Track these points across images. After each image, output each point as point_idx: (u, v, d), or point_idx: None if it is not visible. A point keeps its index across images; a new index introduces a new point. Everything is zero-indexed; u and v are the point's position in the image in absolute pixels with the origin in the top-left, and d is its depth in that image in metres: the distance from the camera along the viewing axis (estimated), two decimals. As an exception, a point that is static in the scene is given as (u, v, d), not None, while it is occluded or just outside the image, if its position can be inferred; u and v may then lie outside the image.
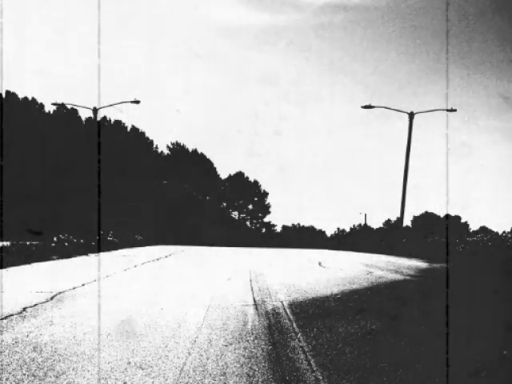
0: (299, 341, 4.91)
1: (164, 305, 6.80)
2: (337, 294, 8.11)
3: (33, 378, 3.66)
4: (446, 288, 9.76)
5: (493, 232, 25.46)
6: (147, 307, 6.59)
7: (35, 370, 3.84)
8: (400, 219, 31.61)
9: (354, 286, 9.25)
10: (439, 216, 70.43)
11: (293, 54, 68.23)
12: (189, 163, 59.69)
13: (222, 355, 4.35)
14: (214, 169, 64.48)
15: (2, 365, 3.93)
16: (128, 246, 26.06)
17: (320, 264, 15.55)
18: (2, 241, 17.63)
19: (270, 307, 6.79)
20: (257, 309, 6.66)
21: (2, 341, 4.64)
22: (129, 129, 53.82)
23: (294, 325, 5.66)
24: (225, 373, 3.88)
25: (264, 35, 65.41)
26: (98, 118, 33.81)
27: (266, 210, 67.33)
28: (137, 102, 31.64)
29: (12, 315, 5.81)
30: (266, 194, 67.32)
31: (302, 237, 54.37)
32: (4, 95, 44.88)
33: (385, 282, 10.25)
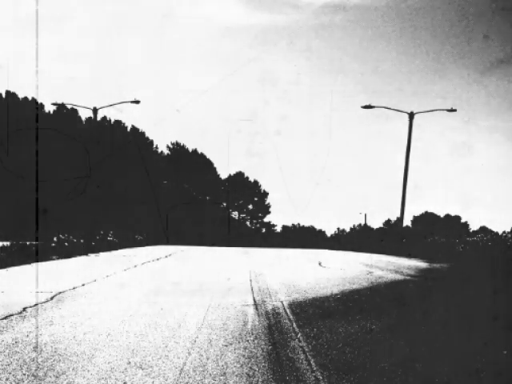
0: (299, 341, 4.91)
1: (164, 305, 6.80)
2: (337, 294, 8.11)
3: (33, 378, 3.66)
4: (445, 288, 9.75)
5: (493, 232, 25.47)
6: (147, 307, 6.59)
7: (35, 369, 3.84)
8: (400, 219, 31.61)
9: (354, 286, 9.25)
10: (439, 216, 70.43)
11: (293, 54, 68.26)
12: (189, 163, 59.65)
13: (221, 355, 4.35)
14: (214, 169, 64.44)
15: (2, 365, 3.93)
16: (128, 246, 26.05)
17: (320, 264, 15.54)
18: (2, 241, 17.63)
19: (269, 307, 6.79)
20: (257, 309, 6.66)
21: (2, 341, 4.64)
22: (129, 129, 53.82)
23: (294, 325, 5.66)
24: (225, 373, 3.88)
25: (264, 35, 65.40)
26: (98, 118, 33.80)
27: (266, 209, 67.31)
28: (137, 102, 31.63)
29: (12, 315, 5.81)
30: (266, 194, 67.28)
31: (302, 237, 54.36)
32: (4, 95, 44.91)
33: (385, 282, 10.25)
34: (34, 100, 46.42)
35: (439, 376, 3.89)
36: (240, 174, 67.35)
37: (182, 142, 63.04)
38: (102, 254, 18.62)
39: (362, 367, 4.06)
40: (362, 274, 11.78)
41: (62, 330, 5.16)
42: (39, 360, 4.08)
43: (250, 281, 9.95)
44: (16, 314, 5.86)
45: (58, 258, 15.00)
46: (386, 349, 4.65)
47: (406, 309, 6.94)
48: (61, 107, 44.55)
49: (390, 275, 11.67)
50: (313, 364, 4.14)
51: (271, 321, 5.85)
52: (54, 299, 7.03)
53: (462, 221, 69.60)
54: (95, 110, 32.08)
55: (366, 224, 59.94)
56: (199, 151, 63.30)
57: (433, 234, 33.96)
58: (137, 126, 54.84)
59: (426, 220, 68.36)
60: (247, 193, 66.27)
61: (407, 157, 30.78)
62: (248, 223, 67.40)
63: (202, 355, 4.33)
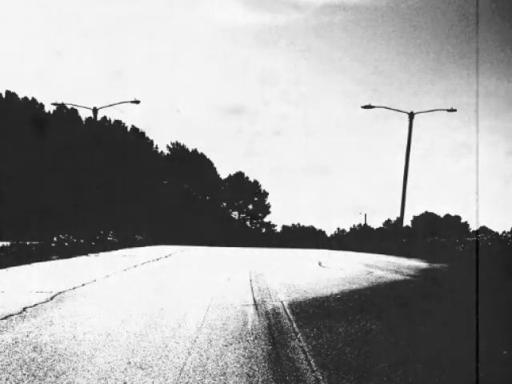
0: (299, 341, 4.91)
1: (164, 305, 6.80)
2: (337, 294, 8.11)
3: (33, 378, 3.66)
4: (445, 288, 9.76)
5: (493, 232, 25.47)
6: (147, 307, 6.59)
7: (35, 370, 3.84)
8: (400, 219, 31.60)
9: (354, 286, 9.25)
10: (439, 216, 70.41)
11: (293, 54, 68.20)
12: (189, 163, 59.63)
13: (221, 355, 4.35)
14: (214, 169, 64.41)
15: (2, 365, 3.93)
16: (128, 246, 26.05)
17: (320, 264, 15.55)
18: (2, 241, 17.63)
19: (269, 307, 6.79)
20: (257, 309, 6.66)
21: (2, 341, 4.64)
22: (129, 129, 53.80)
23: (294, 325, 5.66)
24: (225, 373, 3.88)
25: (264, 35, 65.36)
26: (98, 118, 33.80)
27: (266, 210, 67.27)
28: (137, 102, 31.61)
29: (12, 315, 5.81)
30: (266, 194, 67.25)
31: (302, 237, 54.34)
32: (4, 95, 44.90)
33: (385, 282, 10.25)
34: (34, 100, 46.42)
35: (439, 376, 3.89)
36: (240, 174, 67.32)
37: (181, 142, 63.03)
38: (102, 254, 18.62)
39: (362, 367, 4.06)
40: (362, 274, 11.78)
41: (61, 330, 5.16)
42: (39, 360, 4.08)
43: (250, 281, 9.95)
44: (16, 314, 5.87)
45: (58, 258, 15.01)
46: (386, 349, 4.65)
47: (405, 309, 6.94)
48: (61, 107, 44.53)
49: (390, 275, 11.67)
50: (313, 364, 4.14)
51: (271, 321, 5.86)
52: (54, 299, 7.03)
53: (462, 221, 69.55)
54: (95, 110, 32.07)
55: (366, 224, 59.90)
56: (199, 151, 63.29)
57: (433, 234, 33.96)
58: (137, 126, 54.84)
59: (426, 220, 68.30)
60: (247, 193, 66.24)
61: (407, 157, 30.79)
62: (248, 223, 67.37)
63: (202, 355, 4.33)
